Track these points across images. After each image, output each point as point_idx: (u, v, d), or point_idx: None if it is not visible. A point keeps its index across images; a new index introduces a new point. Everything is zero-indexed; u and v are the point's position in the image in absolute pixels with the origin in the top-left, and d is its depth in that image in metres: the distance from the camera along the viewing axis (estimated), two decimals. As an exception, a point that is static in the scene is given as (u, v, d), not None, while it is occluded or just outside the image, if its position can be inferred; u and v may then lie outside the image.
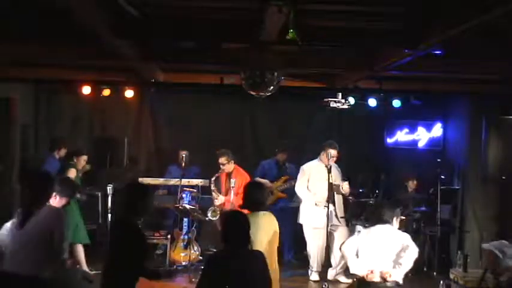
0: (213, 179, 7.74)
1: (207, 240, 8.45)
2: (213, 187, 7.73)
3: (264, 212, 4.79)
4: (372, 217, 5.30)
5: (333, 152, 7.19)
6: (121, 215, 4.33)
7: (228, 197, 7.41)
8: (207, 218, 7.88)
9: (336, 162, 7.39)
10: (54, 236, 4.32)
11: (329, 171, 6.92)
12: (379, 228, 4.98)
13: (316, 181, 7.36)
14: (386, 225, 4.95)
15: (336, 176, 7.32)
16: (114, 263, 4.15)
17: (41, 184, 4.49)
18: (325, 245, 7.08)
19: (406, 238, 4.95)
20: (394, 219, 4.98)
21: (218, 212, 7.63)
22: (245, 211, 4.91)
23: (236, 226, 4.12)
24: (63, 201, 5.03)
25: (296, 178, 7.94)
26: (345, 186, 7.27)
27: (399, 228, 5.06)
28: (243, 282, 3.95)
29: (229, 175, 7.62)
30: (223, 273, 3.95)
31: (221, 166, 7.65)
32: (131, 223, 4.24)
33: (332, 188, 6.99)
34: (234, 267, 3.97)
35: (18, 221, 4.31)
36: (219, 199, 7.65)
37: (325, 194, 7.00)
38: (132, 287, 4.18)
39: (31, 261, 4.26)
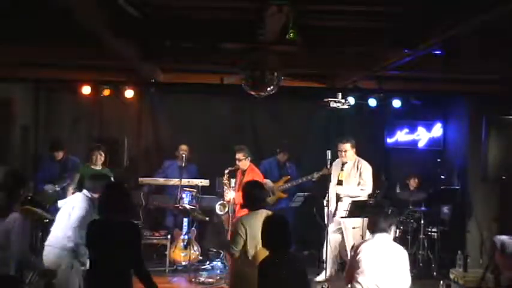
0: (226, 171, 7.63)
1: (207, 240, 8.46)
2: (225, 180, 7.63)
3: (264, 210, 4.81)
4: (370, 225, 5.17)
5: (339, 147, 7.19)
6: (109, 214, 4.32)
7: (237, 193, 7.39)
8: (207, 218, 7.88)
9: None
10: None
11: (342, 168, 6.96)
12: (378, 238, 4.76)
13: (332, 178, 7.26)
14: (384, 235, 4.73)
15: (349, 174, 7.22)
16: (112, 262, 4.18)
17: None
18: (331, 245, 7.10)
19: (402, 255, 4.72)
20: (393, 228, 4.81)
21: (226, 207, 7.57)
22: (246, 210, 4.96)
23: (274, 230, 4.17)
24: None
25: (297, 178, 7.96)
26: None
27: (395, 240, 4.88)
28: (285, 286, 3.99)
29: (243, 172, 7.60)
30: (266, 278, 4.02)
31: (237, 162, 7.59)
32: (127, 221, 4.30)
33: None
34: (275, 271, 4.01)
35: None
36: (229, 194, 7.47)
37: (332, 192, 7.01)
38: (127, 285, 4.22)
39: None
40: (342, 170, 7.10)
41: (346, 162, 7.14)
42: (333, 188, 7.23)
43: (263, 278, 4.07)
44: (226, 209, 7.52)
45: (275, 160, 8.62)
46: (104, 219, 4.34)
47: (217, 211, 7.68)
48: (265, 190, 5.23)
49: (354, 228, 7.17)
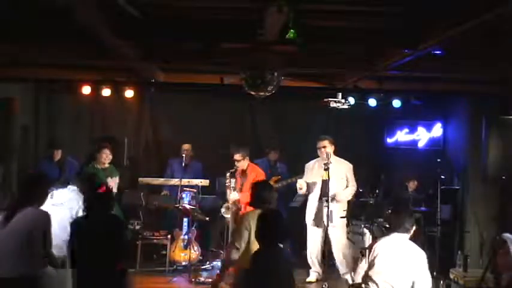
0: (227, 174, 7.67)
1: (207, 240, 8.47)
2: (227, 183, 7.66)
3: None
4: (391, 223, 4.80)
5: (318, 144, 7.17)
6: None
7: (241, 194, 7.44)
8: (207, 218, 7.88)
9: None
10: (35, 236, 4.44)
11: (326, 168, 6.79)
12: (396, 237, 4.66)
13: (311, 179, 7.29)
14: (405, 235, 4.63)
15: (337, 173, 7.08)
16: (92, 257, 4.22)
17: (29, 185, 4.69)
18: (322, 244, 7.08)
19: (422, 257, 4.59)
20: (413, 228, 4.69)
21: (231, 209, 7.61)
22: (251, 208, 5.03)
23: (266, 225, 4.15)
24: None
25: (287, 178, 8.03)
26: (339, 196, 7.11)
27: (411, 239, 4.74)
28: (270, 281, 3.96)
29: (243, 172, 7.61)
30: (256, 271, 3.99)
31: (235, 163, 7.59)
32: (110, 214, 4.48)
33: (327, 186, 6.84)
34: (264, 266, 4.00)
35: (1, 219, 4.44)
36: (233, 195, 7.56)
37: (318, 191, 7.00)
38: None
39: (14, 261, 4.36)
40: (325, 169, 6.92)
41: (330, 163, 6.91)
42: (317, 190, 7.16)
43: (250, 270, 4.06)
44: (232, 210, 7.58)
45: (266, 159, 8.63)
46: (89, 216, 4.42)
47: (223, 214, 7.72)
48: (272, 191, 5.26)
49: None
